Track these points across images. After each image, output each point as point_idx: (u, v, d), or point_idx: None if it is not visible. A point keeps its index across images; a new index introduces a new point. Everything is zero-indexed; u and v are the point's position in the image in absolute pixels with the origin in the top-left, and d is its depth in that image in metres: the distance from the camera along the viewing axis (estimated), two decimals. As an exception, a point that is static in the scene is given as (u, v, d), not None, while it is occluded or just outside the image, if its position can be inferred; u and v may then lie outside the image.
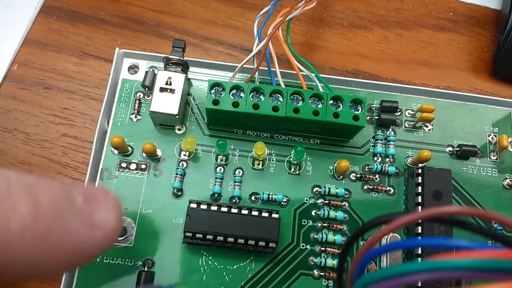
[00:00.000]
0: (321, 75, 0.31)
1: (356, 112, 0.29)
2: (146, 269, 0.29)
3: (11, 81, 0.36)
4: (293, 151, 0.30)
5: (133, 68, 0.34)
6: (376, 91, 0.34)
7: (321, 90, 0.31)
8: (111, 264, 0.29)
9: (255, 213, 0.28)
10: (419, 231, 0.28)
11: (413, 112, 0.33)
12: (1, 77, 0.36)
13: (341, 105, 0.29)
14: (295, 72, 0.31)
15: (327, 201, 0.31)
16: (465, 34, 0.40)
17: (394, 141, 0.32)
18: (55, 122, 0.35)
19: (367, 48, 0.39)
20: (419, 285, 0.26)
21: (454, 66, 0.39)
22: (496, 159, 0.33)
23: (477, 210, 0.16)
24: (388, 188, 0.31)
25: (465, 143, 0.32)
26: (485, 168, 0.32)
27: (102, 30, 0.38)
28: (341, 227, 0.30)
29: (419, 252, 0.28)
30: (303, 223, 0.30)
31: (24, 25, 0.38)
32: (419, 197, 0.29)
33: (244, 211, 0.28)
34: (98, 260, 0.29)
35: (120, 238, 0.29)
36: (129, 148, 0.31)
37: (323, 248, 0.30)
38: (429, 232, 0.27)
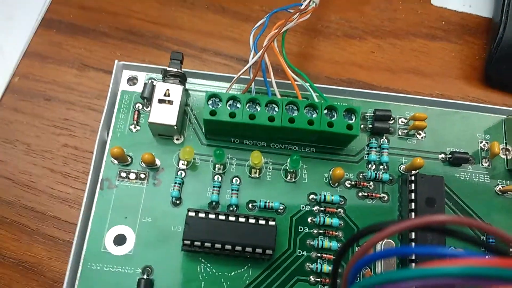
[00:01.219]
0: (316, 84, 0.32)
1: (350, 121, 0.30)
2: (145, 276, 0.29)
3: (12, 93, 0.37)
4: (289, 159, 0.31)
5: (132, 80, 0.34)
6: (370, 100, 0.34)
7: (315, 99, 0.31)
8: (111, 272, 0.30)
9: (252, 220, 0.29)
10: (413, 237, 0.29)
11: (406, 120, 0.34)
12: (2, 89, 0.37)
13: (335, 115, 0.30)
14: (290, 82, 0.32)
15: (322, 208, 0.31)
16: (457, 42, 0.41)
17: (387, 149, 0.33)
18: (56, 133, 0.36)
19: (361, 58, 0.40)
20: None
21: (447, 74, 0.40)
22: (488, 165, 0.33)
23: (465, 219, 0.16)
24: (382, 195, 0.32)
25: (458, 150, 0.33)
26: (477, 175, 0.33)
27: (101, 42, 0.39)
28: (337, 233, 0.31)
29: (413, 257, 0.28)
30: (299, 230, 0.31)
31: (25, 38, 0.39)
32: (412, 204, 0.30)
33: (242, 219, 0.29)
34: (98, 267, 0.30)
35: (119, 246, 0.30)
36: (129, 158, 0.32)
37: (319, 254, 0.30)
38: (422, 238, 0.28)
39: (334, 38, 0.40)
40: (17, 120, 0.36)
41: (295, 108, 0.30)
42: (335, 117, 0.30)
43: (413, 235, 0.29)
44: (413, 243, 0.28)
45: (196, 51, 0.39)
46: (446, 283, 0.15)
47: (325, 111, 0.30)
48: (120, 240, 0.30)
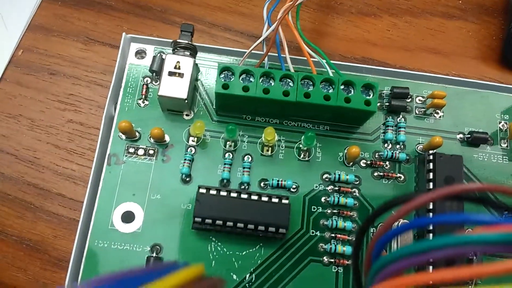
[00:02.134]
0: (331, 61, 0.31)
1: (368, 97, 0.29)
2: (154, 254, 0.29)
3: (15, 66, 0.36)
4: (303, 136, 0.30)
5: (140, 53, 0.33)
6: (386, 78, 0.33)
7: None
8: (119, 250, 0.29)
9: (265, 198, 0.28)
10: (430, 207, 0.28)
11: (424, 99, 0.33)
12: (5, 62, 0.36)
13: (352, 90, 0.29)
14: (305, 58, 0.30)
15: (337, 188, 0.30)
16: (475, 22, 0.40)
17: (404, 128, 0.32)
18: (61, 108, 0.35)
19: (376, 36, 0.39)
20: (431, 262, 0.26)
21: (463, 54, 0.39)
22: (507, 146, 0.32)
23: (496, 185, 0.15)
24: (398, 175, 0.31)
25: (476, 130, 0.32)
26: (495, 156, 0.32)
27: (107, 15, 0.38)
28: (351, 213, 0.30)
29: (431, 228, 0.27)
30: (312, 210, 0.30)
31: (29, 11, 0.38)
32: (430, 184, 0.29)
33: (254, 197, 0.28)
34: (106, 245, 0.29)
35: (127, 224, 0.29)
36: (137, 133, 0.31)
37: (333, 235, 0.29)
38: (441, 209, 0.27)
39: (348, 15, 0.39)
40: (20, 94, 0.35)
41: (311, 83, 0.29)
42: (352, 92, 0.29)
43: (430, 207, 0.28)
44: (431, 214, 0.28)
45: (205, 26, 0.38)
46: (478, 250, 0.14)
47: (342, 87, 0.29)
48: (128, 217, 0.29)
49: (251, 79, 0.29)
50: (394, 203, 0.17)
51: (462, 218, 0.16)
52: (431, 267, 0.26)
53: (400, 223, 0.28)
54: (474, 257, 0.26)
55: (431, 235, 0.27)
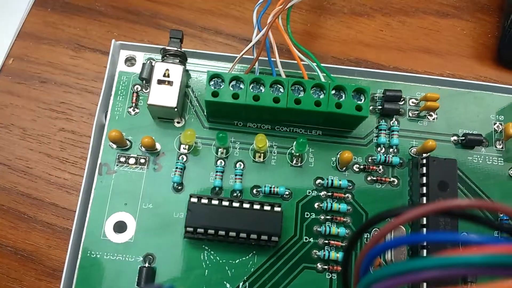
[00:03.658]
0: (322, 64, 0.31)
1: (359, 102, 0.28)
2: (147, 264, 0.28)
3: (6, 75, 0.36)
4: (295, 143, 0.30)
5: (130, 60, 0.33)
6: (379, 80, 0.33)
7: (322, 80, 0.30)
8: (111, 260, 0.29)
9: (257, 206, 0.28)
10: (424, 222, 0.28)
11: (417, 101, 0.32)
12: (-4, 72, 0.36)
13: (343, 95, 0.29)
14: (296, 61, 0.30)
15: (330, 193, 0.30)
16: (469, 20, 0.39)
17: (397, 131, 0.31)
18: (52, 117, 0.35)
19: (369, 36, 0.38)
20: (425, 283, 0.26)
21: (458, 53, 0.38)
22: (502, 147, 0.32)
23: (487, 203, 0.15)
24: (392, 179, 0.31)
25: (470, 132, 0.32)
26: (490, 157, 0.32)
27: (97, 21, 0.37)
28: (345, 219, 0.30)
29: (424, 244, 0.27)
30: (305, 216, 0.30)
31: (19, 18, 0.37)
32: (424, 188, 0.29)
33: (246, 205, 0.28)
34: (98, 255, 0.29)
35: (120, 234, 0.29)
36: (128, 142, 0.31)
37: (326, 241, 0.29)
38: (435, 224, 0.27)
39: (341, 15, 0.39)
40: (12, 103, 0.35)
41: (301, 88, 0.29)
42: (343, 97, 0.29)
43: (424, 221, 0.28)
44: (425, 229, 0.27)
45: (196, 30, 0.38)
46: (468, 272, 0.14)
47: (333, 92, 0.29)
48: (120, 227, 0.29)
49: (241, 86, 0.28)
50: (378, 219, 0.17)
51: (452, 237, 0.15)
52: (425, 284, 0.26)
53: (391, 237, 0.27)
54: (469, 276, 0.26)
55: (425, 251, 0.27)
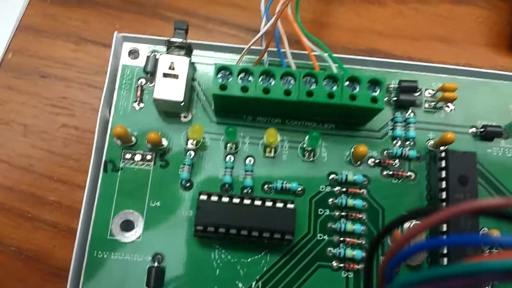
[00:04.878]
0: (334, 55, 0.29)
1: (374, 94, 0.27)
2: (156, 264, 0.27)
3: (5, 70, 0.35)
4: (307, 137, 0.29)
5: (133, 53, 0.32)
6: (392, 71, 0.32)
7: (335, 71, 0.29)
8: (119, 260, 0.28)
9: (269, 203, 0.27)
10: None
11: (434, 92, 0.31)
12: (-5, 67, 0.34)
13: (357, 87, 0.27)
14: (306, 52, 0.29)
15: (344, 189, 0.29)
16: (485, 7, 0.38)
17: (414, 123, 0.30)
18: (54, 113, 0.34)
19: (381, 25, 0.37)
20: None
21: (473, 42, 0.37)
22: (522, 139, 0.31)
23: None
24: (409, 173, 0.29)
25: (489, 123, 0.30)
26: (510, 150, 0.30)
27: (98, 13, 0.36)
28: (360, 215, 0.29)
29: (445, 249, 0.26)
30: (319, 213, 0.29)
31: (18, 11, 0.36)
32: (443, 183, 0.27)
33: (257, 202, 0.27)
34: (105, 256, 0.28)
35: (127, 233, 0.28)
36: (133, 138, 0.30)
37: (341, 239, 0.28)
38: (456, 225, 0.25)
39: (351, 3, 0.37)
40: (12, 99, 0.34)
41: (314, 80, 0.27)
42: (358, 89, 0.27)
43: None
44: (445, 228, 0.26)
45: (201, 21, 0.36)
46: (503, 278, 0.13)
47: (347, 83, 0.27)
48: (127, 226, 0.28)
49: (250, 78, 0.27)
50: (405, 219, 0.16)
51: (487, 240, 0.14)
52: None
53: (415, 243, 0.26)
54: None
55: (445, 259, 0.26)
